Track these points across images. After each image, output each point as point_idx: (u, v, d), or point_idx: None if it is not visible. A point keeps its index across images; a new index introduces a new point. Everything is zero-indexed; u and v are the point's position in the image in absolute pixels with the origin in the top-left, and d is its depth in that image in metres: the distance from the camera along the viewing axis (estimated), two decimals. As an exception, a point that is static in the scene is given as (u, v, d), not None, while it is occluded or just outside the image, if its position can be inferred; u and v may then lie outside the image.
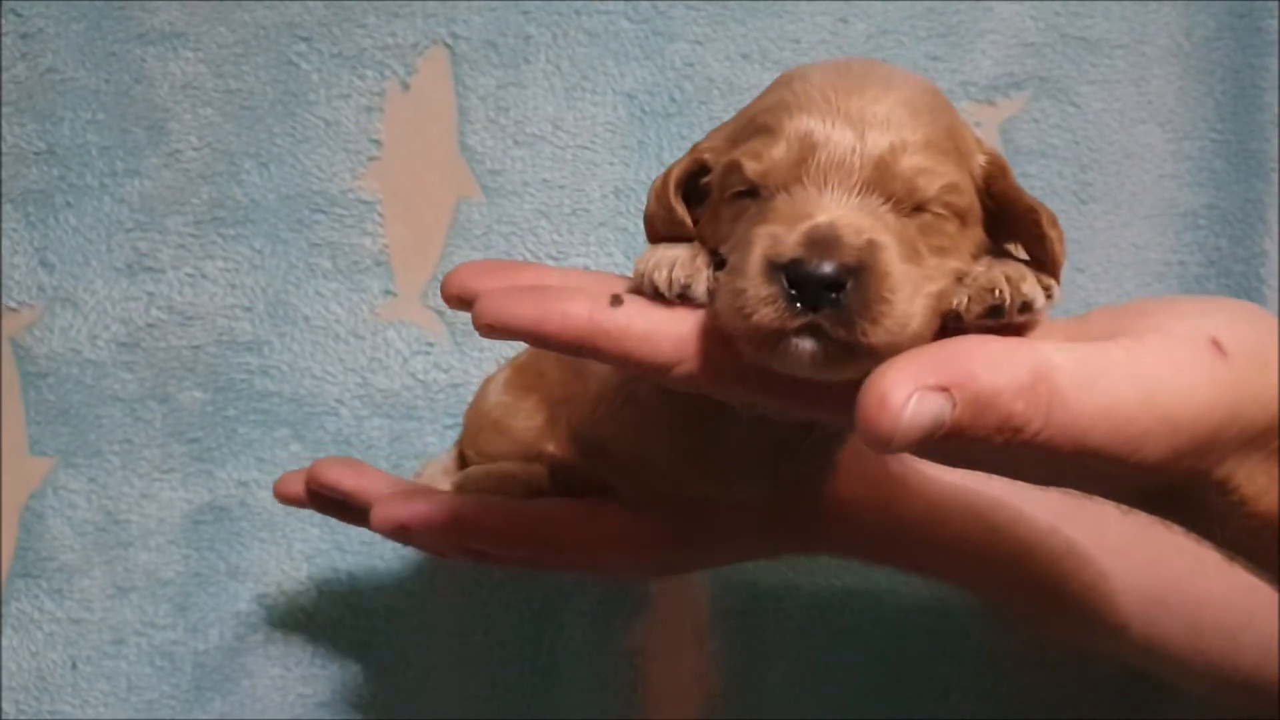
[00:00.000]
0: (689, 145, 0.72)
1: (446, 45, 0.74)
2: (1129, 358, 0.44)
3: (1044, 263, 0.48)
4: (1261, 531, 0.49)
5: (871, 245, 0.44)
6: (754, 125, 0.48)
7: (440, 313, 0.74)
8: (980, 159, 0.49)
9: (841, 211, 0.45)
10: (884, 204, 0.45)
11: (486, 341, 0.70)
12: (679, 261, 0.47)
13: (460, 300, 0.48)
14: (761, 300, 0.43)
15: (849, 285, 0.43)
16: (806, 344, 0.43)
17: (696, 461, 0.55)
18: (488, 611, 0.74)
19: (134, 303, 0.73)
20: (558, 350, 0.47)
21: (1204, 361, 0.45)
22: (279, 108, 0.73)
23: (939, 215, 0.46)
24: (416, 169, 0.74)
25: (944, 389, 0.41)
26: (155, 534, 0.73)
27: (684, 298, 0.46)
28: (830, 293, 0.43)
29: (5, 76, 0.71)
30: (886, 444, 0.41)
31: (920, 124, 0.46)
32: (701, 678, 0.75)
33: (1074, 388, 0.43)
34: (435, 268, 0.74)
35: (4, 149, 0.72)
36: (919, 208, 0.46)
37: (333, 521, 0.73)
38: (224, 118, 0.73)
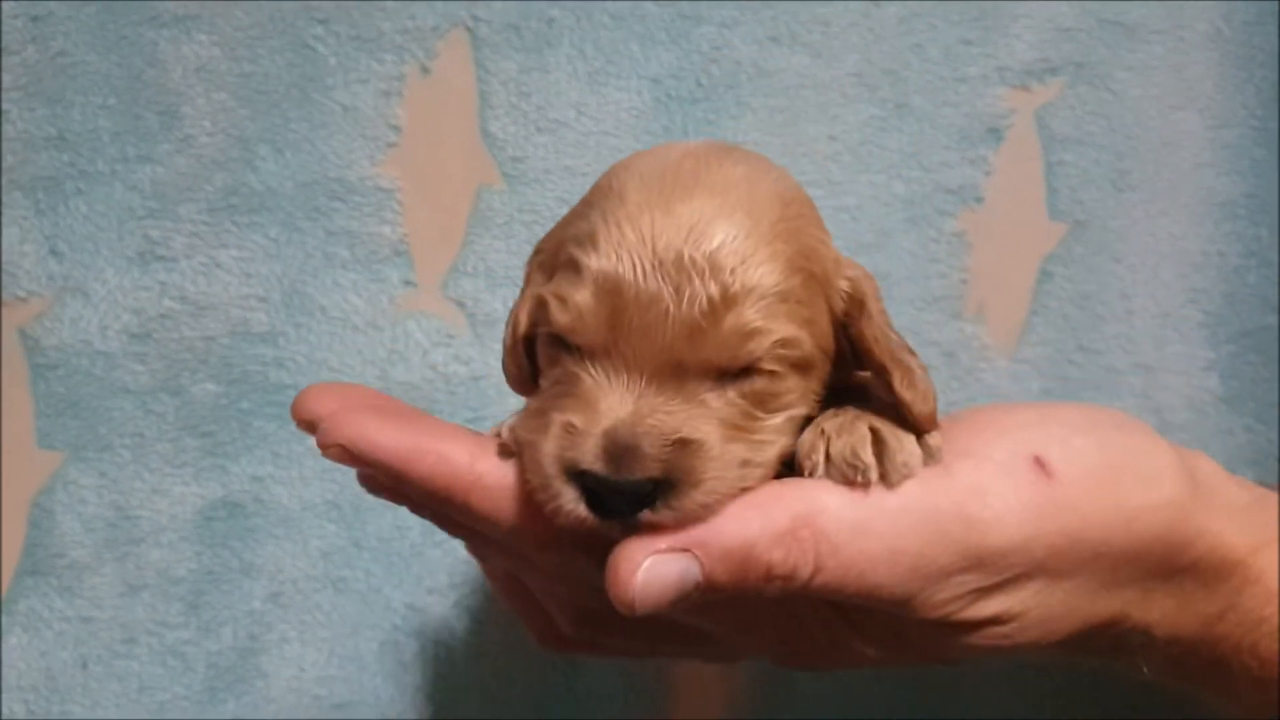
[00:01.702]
0: (715, 132, 0.71)
1: (467, 28, 0.72)
2: (924, 491, 0.42)
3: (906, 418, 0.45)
4: (1185, 659, 0.48)
5: (681, 447, 0.41)
6: (565, 253, 0.44)
7: (460, 304, 0.72)
8: (842, 286, 0.45)
9: (646, 402, 0.41)
10: (701, 377, 0.42)
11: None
12: None
13: (312, 426, 0.44)
14: (564, 498, 0.41)
15: (655, 490, 0.41)
16: (620, 535, 0.42)
17: None
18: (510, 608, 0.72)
19: (145, 292, 0.71)
20: (413, 495, 0.43)
21: (1020, 487, 0.43)
22: (295, 92, 0.71)
23: (772, 373, 0.43)
24: (436, 156, 0.72)
25: (684, 550, 0.41)
26: (167, 530, 0.71)
27: None
28: (634, 502, 0.41)
29: (15, 60, 0.69)
30: (630, 608, 0.40)
31: (755, 260, 0.42)
32: (726, 677, 0.74)
33: (844, 530, 0.41)
34: (456, 257, 0.72)
35: (13, 134, 0.69)
36: (747, 369, 0.42)
37: (349, 517, 0.72)
38: (238, 102, 0.71)
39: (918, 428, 0.44)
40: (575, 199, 0.72)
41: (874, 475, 0.42)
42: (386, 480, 0.43)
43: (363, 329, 0.72)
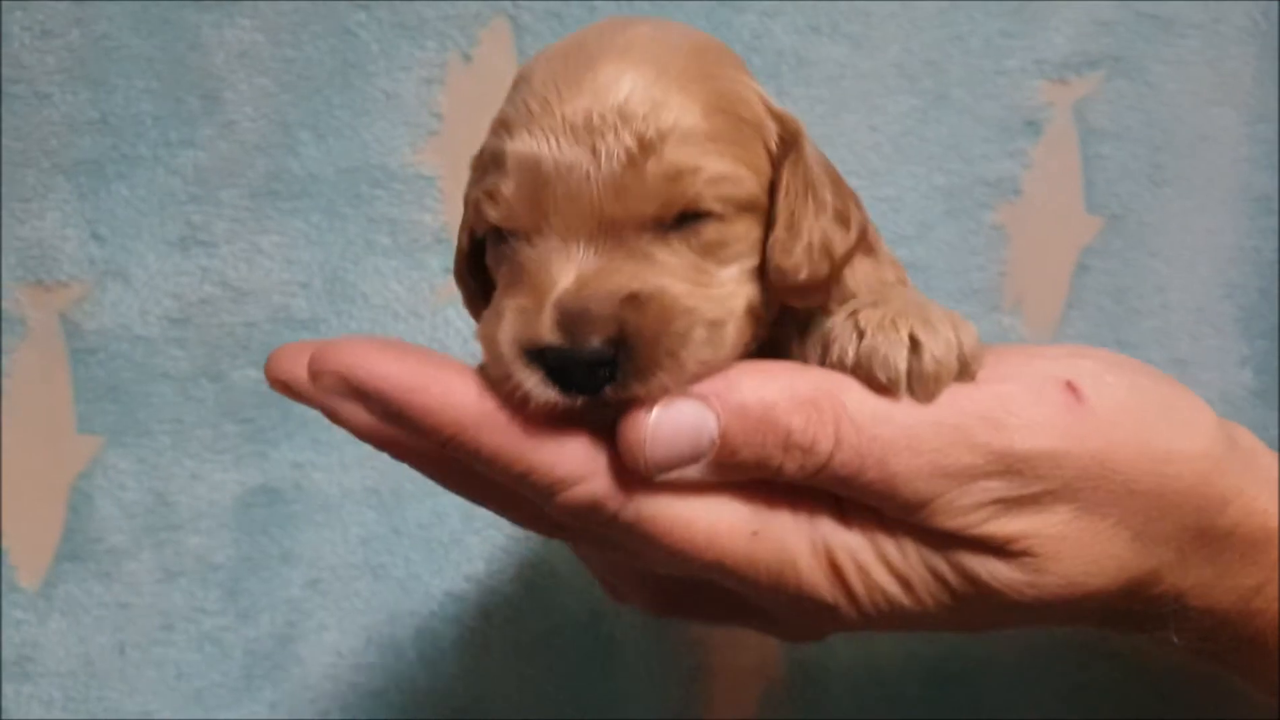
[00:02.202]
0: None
1: (509, 16, 0.71)
2: (950, 396, 0.41)
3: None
4: (1217, 633, 0.46)
5: (634, 300, 0.39)
6: (488, 153, 0.43)
7: (500, 291, 0.72)
8: (771, 127, 0.43)
9: (588, 266, 0.39)
10: (640, 231, 0.40)
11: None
12: None
13: (287, 388, 0.41)
14: (531, 385, 0.39)
15: (618, 354, 0.38)
16: (598, 416, 0.39)
17: None
18: (547, 598, 0.72)
19: (186, 277, 0.71)
20: (414, 439, 0.40)
21: (1050, 405, 0.42)
22: (337, 78, 0.71)
23: (718, 216, 0.41)
24: (477, 144, 0.70)
25: (700, 397, 0.39)
26: (206, 516, 0.71)
27: None
28: (601, 368, 0.38)
29: (58, 43, 0.69)
30: (641, 461, 0.38)
31: (671, 102, 0.40)
32: (763, 666, 0.74)
33: (866, 412, 0.40)
34: (495, 245, 0.72)
35: (56, 118, 0.69)
36: (687, 213, 0.41)
37: (389, 504, 0.72)
38: (280, 88, 0.70)
39: (775, 284, 0.42)
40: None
41: (902, 386, 0.41)
42: (375, 415, 0.40)
43: (404, 316, 0.71)
